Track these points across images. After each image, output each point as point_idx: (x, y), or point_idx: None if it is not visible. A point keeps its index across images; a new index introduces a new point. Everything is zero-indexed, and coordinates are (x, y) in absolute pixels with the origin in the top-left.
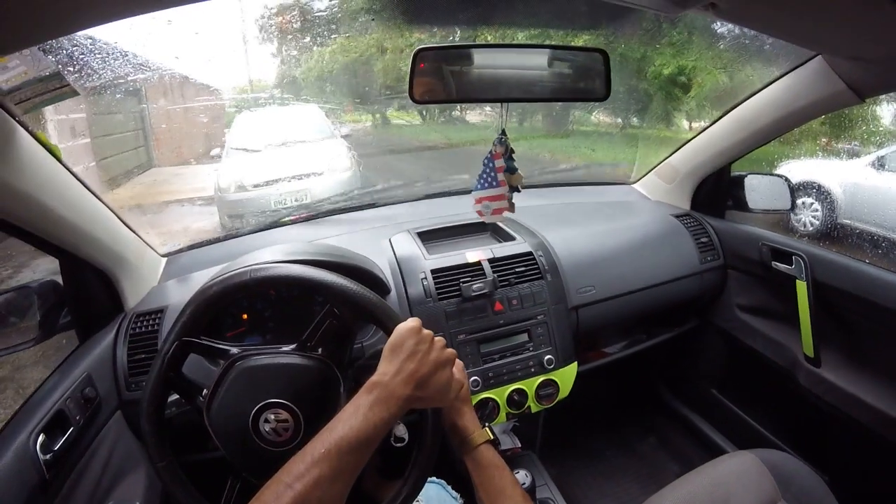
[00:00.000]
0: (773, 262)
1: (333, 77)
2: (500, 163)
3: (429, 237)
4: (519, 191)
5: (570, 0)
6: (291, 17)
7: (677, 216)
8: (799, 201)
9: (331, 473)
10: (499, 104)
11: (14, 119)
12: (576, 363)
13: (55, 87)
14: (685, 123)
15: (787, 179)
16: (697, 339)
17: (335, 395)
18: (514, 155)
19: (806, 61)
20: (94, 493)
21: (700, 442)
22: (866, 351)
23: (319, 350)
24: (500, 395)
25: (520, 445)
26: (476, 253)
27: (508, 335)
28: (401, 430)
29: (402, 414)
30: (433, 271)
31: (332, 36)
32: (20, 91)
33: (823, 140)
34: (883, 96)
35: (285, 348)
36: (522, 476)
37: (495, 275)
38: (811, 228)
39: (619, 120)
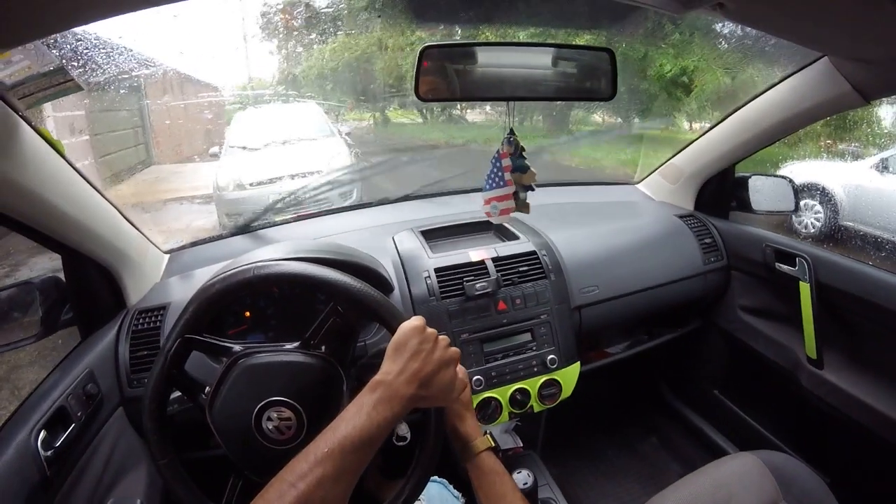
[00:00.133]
0: (777, 264)
1: (334, 75)
2: (506, 162)
3: (432, 236)
4: (533, 189)
5: None
6: (293, 14)
7: (681, 217)
8: (801, 203)
9: (334, 473)
10: (503, 103)
11: (17, 114)
12: (578, 363)
13: (59, 82)
14: (685, 124)
15: (791, 181)
16: (700, 340)
17: (338, 393)
18: (524, 153)
19: (811, 63)
20: (96, 490)
21: (702, 443)
22: (869, 353)
23: (323, 348)
24: (502, 394)
25: (521, 445)
26: (479, 252)
27: (511, 334)
28: (403, 429)
29: (406, 413)
30: (437, 270)
31: (334, 33)
32: (23, 86)
33: (828, 141)
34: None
35: (288, 346)
36: (524, 476)
37: (499, 274)
38: (813, 230)
39: (620, 120)
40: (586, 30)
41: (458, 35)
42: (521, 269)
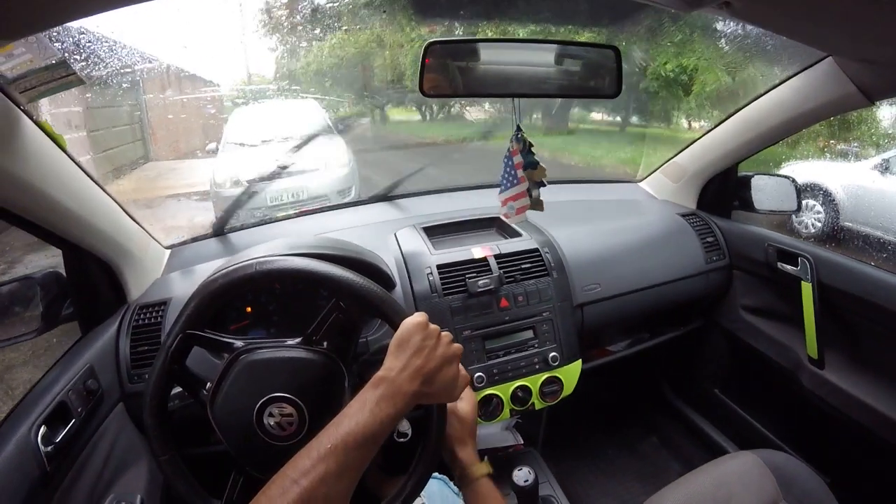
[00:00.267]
0: (779, 263)
1: (333, 72)
2: (517, 159)
3: (434, 232)
4: (544, 185)
5: None
6: (293, 9)
7: (683, 215)
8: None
9: (337, 469)
10: (503, 101)
11: (19, 108)
12: (580, 361)
13: (61, 76)
14: (685, 123)
15: (793, 181)
16: (701, 339)
17: (340, 389)
18: (533, 149)
19: (816, 63)
20: (96, 485)
21: (702, 442)
22: (870, 354)
23: (325, 344)
24: (504, 391)
25: (522, 442)
26: (482, 249)
27: (513, 332)
28: (404, 426)
29: (409, 410)
30: (439, 266)
31: (334, 30)
32: (25, 80)
33: (831, 141)
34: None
35: (290, 342)
36: (525, 473)
37: (501, 271)
38: (814, 231)
39: (619, 119)
40: (587, 27)
41: (459, 32)
42: (523, 266)
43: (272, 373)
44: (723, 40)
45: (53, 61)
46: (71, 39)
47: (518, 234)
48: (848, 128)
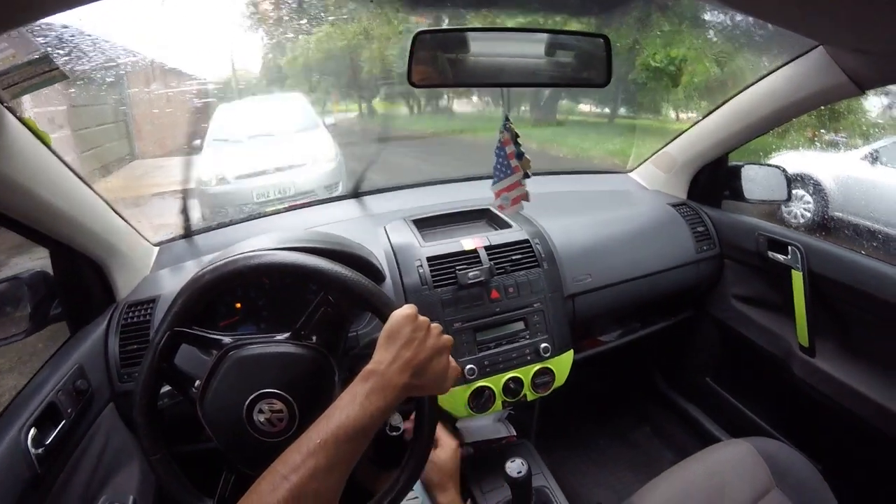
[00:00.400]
0: (770, 252)
1: (319, 66)
2: (510, 149)
3: (424, 225)
4: (529, 176)
5: None
6: (278, 2)
7: (674, 205)
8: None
9: (327, 464)
10: (490, 93)
11: (2, 104)
12: (572, 351)
13: (44, 71)
14: (672, 114)
15: (783, 170)
16: (693, 329)
17: (330, 384)
18: (519, 140)
19: (807, 52)
20: (88, 486)
21: (695, 431)
22: (861, 341)
23: (314, 338)
24: (496, 383)
25: (515, 434)
26: (472, 240)
27: (504, 323)
28: (396, 420)
29: (399, 402)
30: (429, 259)
31: (321, 21)
32: (8, 76)
33: (821, 130)
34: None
35: (279, 337)
36: (518, 465)
37: (491, 262)
38: (803, 220)
39: (607, 110)
40: (575, 18)
41: (447, 23)
42: (513, 257)
43: (261, 368)
44: (711, 31)
45: (36, 56)
46: (53, 34)
47: (508, 226)
48: (836, 118)
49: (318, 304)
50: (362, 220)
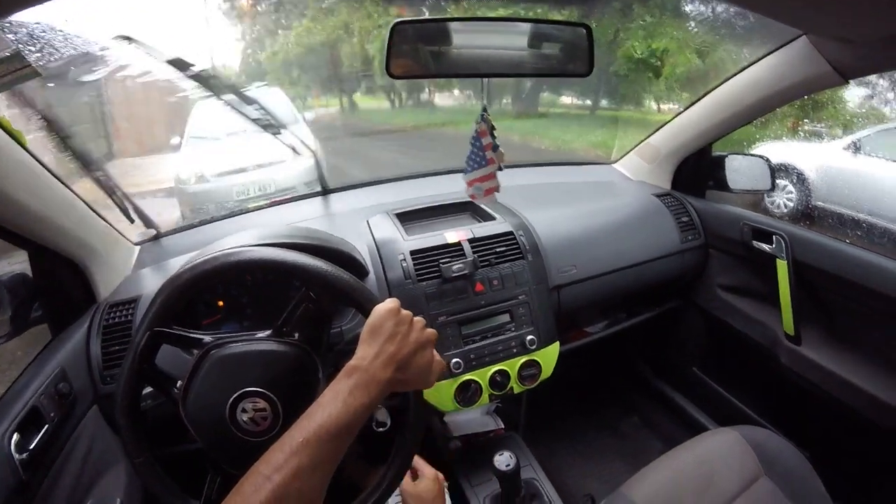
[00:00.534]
0: (754, 242)
1: (299, 60)
2: (486, 140)
3: (407, 218)
4: (501, 169)
5: None
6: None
7: (658, 196)
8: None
9: (310, 463)
10: (472, 86)
11: None
12: (558, 343)
13: (16, 69)
14: (654, 106)
15: (767, 160)
16: (679, 319)
17: (314, 381)
18: (495, 132)
19: (790, 41)
20: (74, 491)
21: (682, 420)
22: (845, 329)
23: (296, 335)
24: (482, 376)
25: (503, 427)
26: (456, 233)
27: (490, 316)
28: (382, 415)
29: (383, 398)
30: (412, 252)
31: (300, 16)
32: None
33: (804, 120)
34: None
35: (260, 335)
36: (506, 458)
37: (475, 255)
38: (785, 210)
39: (589, 102)
40: (556, 10)
41: (426, 15)
42: (498, 249)
43: (243, 367)
44: (692, 23)
45: (7, 54)
46: (24, 30)
47: (492, 218)
48: (818, 108)
49: (299, 301)
50: (345, 215)
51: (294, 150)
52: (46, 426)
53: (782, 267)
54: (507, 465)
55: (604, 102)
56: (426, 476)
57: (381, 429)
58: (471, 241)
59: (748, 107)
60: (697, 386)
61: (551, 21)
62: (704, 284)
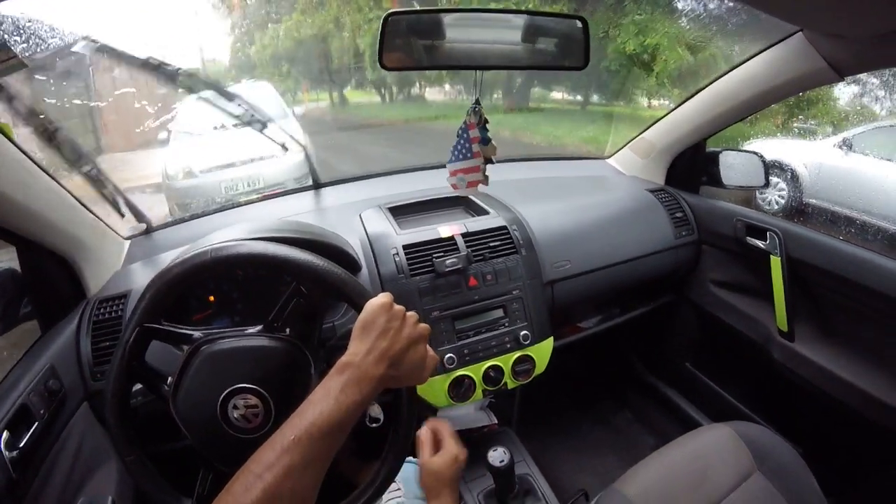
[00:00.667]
0: (748, 238)
1: (289, 54)
2: (474, 133)
3: (400, 212)
4: (493, 162)
5: None
6: None
7: (652, 191)
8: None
9: (302, 461)
10: (468, 81)
11: None
12: (551, 338)
13: (2, 60)
14: (645, 102)
15: (761, 156)
16: (672, 314)
17: (306, 377)
18: (487, 125)
19: (786, 37)
20: (65, 488)
21: (676, 416)
22: (838, 326)
23: (287, 330)
24: (475, 371)
25: (497, 422)
26: (449, 227)
27: (483, 311)
28: (375, 411)
29: (376, 394)
30: (405, 247)
31: (289, 10)
32: None
33: (800, 116)
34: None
35: (251, 330)
36: (500, 453)
37: (469, 250)
38: (777, 207)
39: (580, 97)
40: (548, 3)
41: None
42: (491, 244)
43: (234, 363)
44: (684, 19)
45: None
46: (10, 21)
47: (486, 212)
48: (810, 106)
49: (290, 295)
50: (337, 210)
51: (283, 145)
52: (36, 424)
53: (776, 263)
54: (501, 461)
55: (595, 98)
56: (447, 451)
57: (374, 424)
58: (464, 235)
59: (743, 102)
60: (690, 381)
61: (547, 13)
62: (697, 280)
